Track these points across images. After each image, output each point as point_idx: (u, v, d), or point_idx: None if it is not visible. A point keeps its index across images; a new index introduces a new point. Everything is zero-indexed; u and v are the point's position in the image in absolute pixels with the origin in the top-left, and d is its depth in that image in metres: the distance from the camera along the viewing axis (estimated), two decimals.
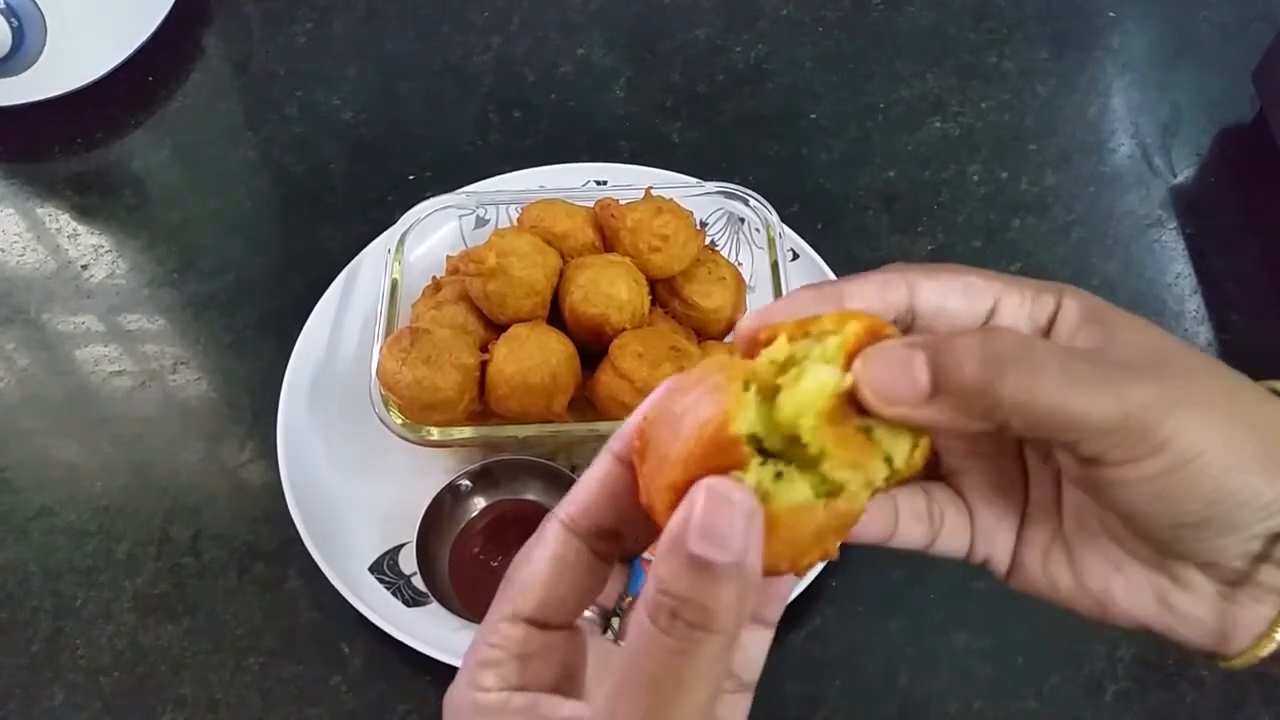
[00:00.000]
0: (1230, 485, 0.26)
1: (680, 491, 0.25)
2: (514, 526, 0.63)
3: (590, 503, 0.29)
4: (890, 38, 0.88)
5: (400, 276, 0.67)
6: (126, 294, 0.77)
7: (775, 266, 0.67)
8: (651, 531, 0.28)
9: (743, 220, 0.73)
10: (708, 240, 0.71)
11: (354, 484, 0.66)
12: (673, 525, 0.24)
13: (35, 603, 0.64)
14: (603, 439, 0.34)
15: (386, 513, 0.64)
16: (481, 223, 0.75)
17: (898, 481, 0.27)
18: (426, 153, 0.82)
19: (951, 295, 0.29)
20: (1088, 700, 0.60)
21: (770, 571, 0.25)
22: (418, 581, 0.61)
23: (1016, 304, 0.29)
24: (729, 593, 0.24)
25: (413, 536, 0.61)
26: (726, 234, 0.74)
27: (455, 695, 0.29)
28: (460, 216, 0.74)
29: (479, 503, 0.64)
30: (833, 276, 0.70)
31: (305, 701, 0.61)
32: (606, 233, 0.66)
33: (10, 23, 0.77)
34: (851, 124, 0.83)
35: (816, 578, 0.62)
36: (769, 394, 0.26)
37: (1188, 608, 0.29)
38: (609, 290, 0.62)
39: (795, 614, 0.62)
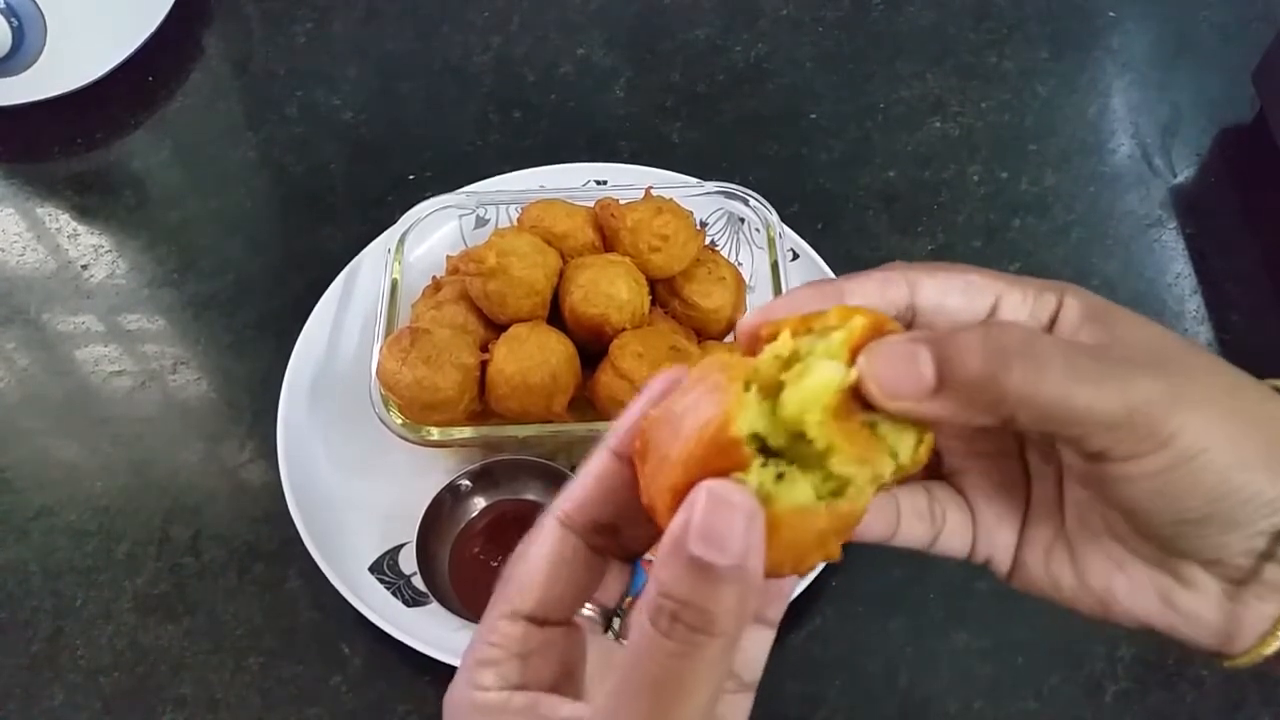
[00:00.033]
0: (1233, 482, 0.26)
1: (681, 493, 0.25)
2: (514, 526, 0.63)
3: (586, 498, 0.29)
4: (890, 38, 0.88)
5: (400, 276, 0.67)
6: (126, 294, 0.77)
7: (775, 266, 0.67)
8: (653, 532, 0.27)
9: (743, 220, 0.73)
10: (708, 240, 0.71)
11: (354, 484, 0.66)
12: (673, 528, 0.24)
13: (35, 603, 0.64)
14: None
15: (386, 513, 0.64)
16: (481, 223, 0.75)
17: (900, 479, 0.27)
18: (426, 153, 0.82)
19: (952, 293, 0.29)
20: (1088, 700, 0.60)
21: (772, 573, 0.25)
22: (418, 581, 0.61)
23: (1018, 302, 0.29)
24: (730, 596, 0.24)
25: (413, 536, 0.61)
26: (726, 234, 0.74)
27: (455, 695, 0.29)
28: (460, 216, 0.74)
29: (479, 503, 0.64)
30: (833, 276, 0.70)
31: (305, 701, 0.61)
32: (606, 233, 0.66)
33: (10, 23, 0.77)
34: (851, 124, 0.83)
35: (816, 577, 0.62)
36: (771, 392, 0.25)
37: (1192, 607, 0.29)
38: (609, 290, 0.62)
39: (795, 614, 0.62)
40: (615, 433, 0.29)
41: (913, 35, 0.88)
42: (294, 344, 0.70)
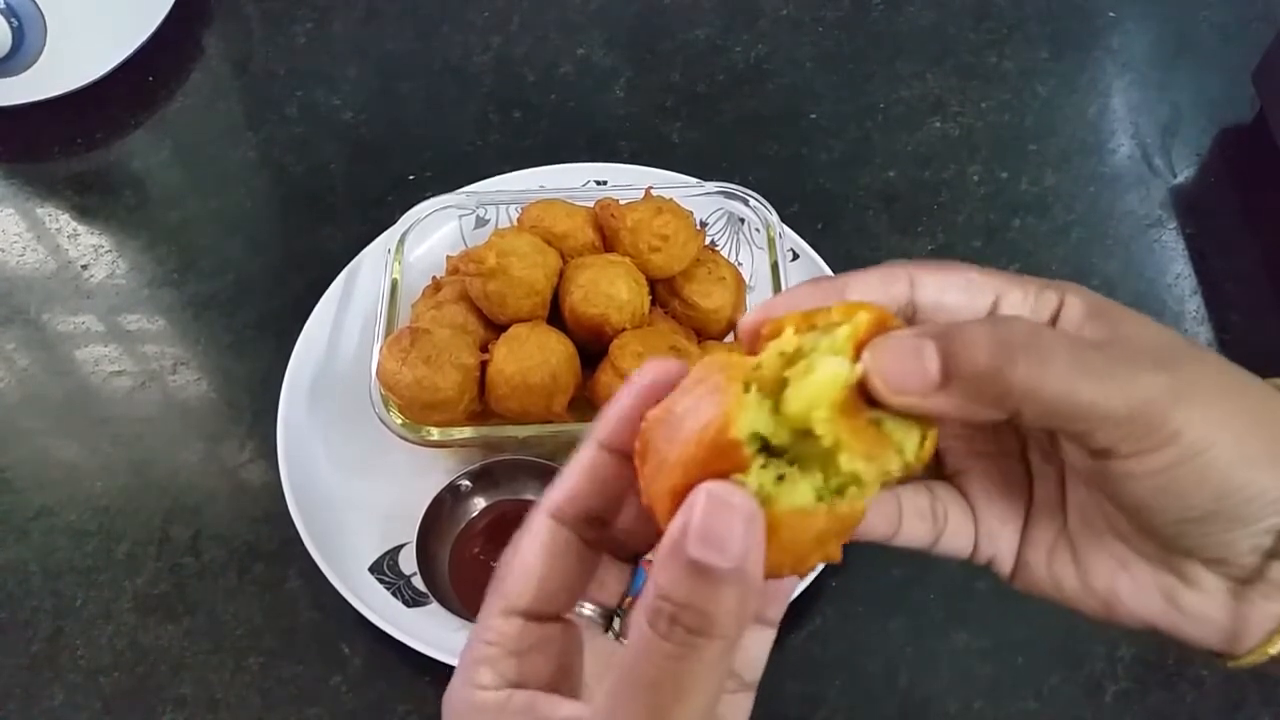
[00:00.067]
0: (1238, 479, 0.26)
1: (681, 495, 0.24)
2: (514, 527, 0.62)
3: (576, 491, 0.29)
4: (890, 38, 0.88)
5: (400, 276, 0.67)
6: (126, 294, 0.77)
7: (775, 267, 0.67)
8: (651, 531, 0.27)
9: (743, 220, 0.73)
10: (708, 240, 0.71)
11: (354, 484, 0.66)
12: (672, 530, 0.24)
13: (35, 603, 0.64)
14: None
15: (386, 513, 0.64)
16: (481, 223, 0.75)
17: (902, 478, 0.27)
18: (426, 153, 0.82)
19: (952, 289, 0.29)
20: (1088, 700, 0.60)
21: (771, 575, 0.25)
22: (418, 582, 0.61)
23: (1019, 300, 0.29)
24: (729, 598, 0.24)
25: (413, 536, 0.61)
26: (726, 234, 0.74)
27: (454, 696, 0.29)
28: (460, 216, 0.74)
29: (479, 503, 0.64)
30: (832, 275, 0.70)
31: (305, 701, 0.61)
32: (606, 233, 0.66)
33: (10, 23, 0.77)
34: (851, 124, 0.83)
35: (817, 578, 0.62)
36: (774, 390, 0.25)
37: (1197, 607, 0.29)
38: (609, 290, 0.62)
39: (795, 614, 0.62)
40: (602, 425, 0.29)
41: (913, 35, 0.88)
42: (294, 344, 0.70)
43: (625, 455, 0.29)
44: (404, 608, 0.61)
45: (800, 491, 0.25)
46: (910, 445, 0.26)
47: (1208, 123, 0.82)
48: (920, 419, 0.26)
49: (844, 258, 0.73)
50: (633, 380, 0.28)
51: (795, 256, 0.71)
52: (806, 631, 0.62)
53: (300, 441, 0.66)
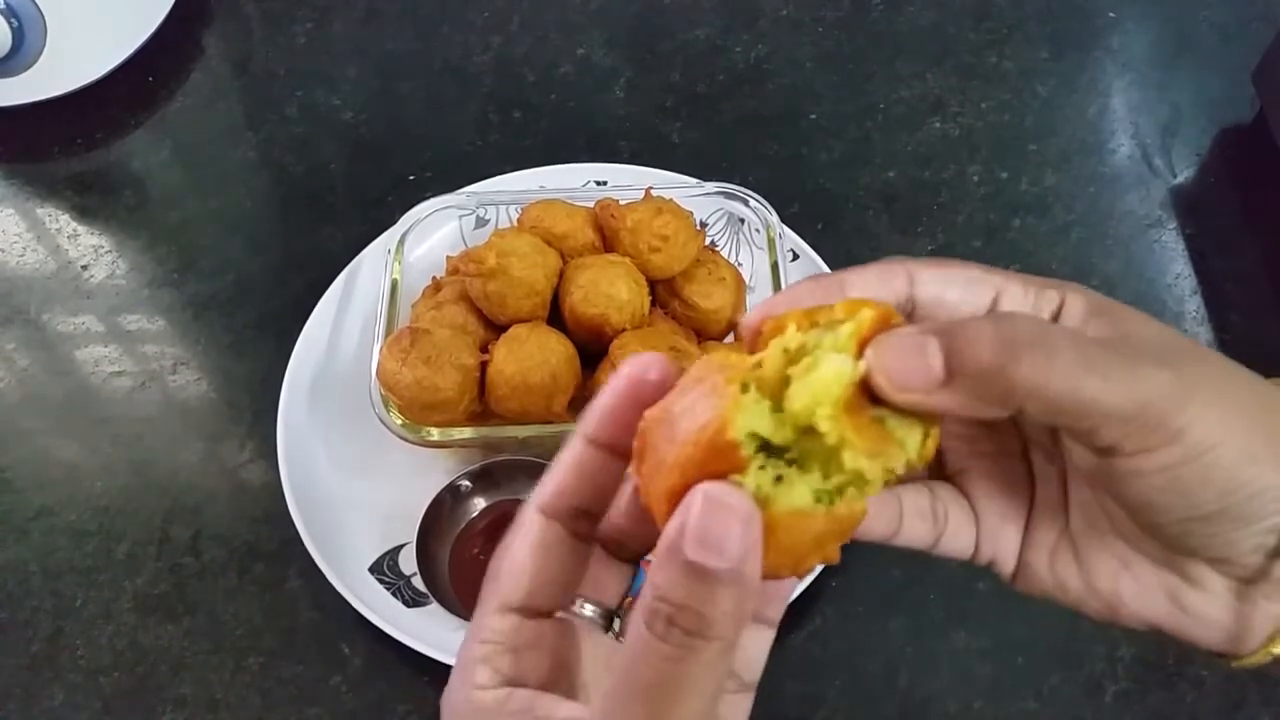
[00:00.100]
0: (1242, 477, 0.26)
1: (678, 496, 0.24)
2: None
3: (564, 486, 0.29)
4: (890, 38, 0.88)
5: (400, 277, 0.67)
6: (126, 294, 0.77)
7: (775, 267, 0.67)
8: (652, 533, 0.27)
9: (743, 221, 0.73)
10: (708, 241, 0.71)
11: (354, 484, 0.66)
12: (669, 531, 0.24)
13: (35, 603, 0.64)
14: None
15: (386, 513, 0.64)
16: (481, 223, 0.75)
17: (903, 478, 0.27)
18: (426, 153, 0.82)
19: (952, 285, 0.29)
20: (1088, 700, 0.60)
21: (769, 576, 0.25)
22: (418, 582, 0.61)
23: (1019, 297, 0.29)
24: (726, 599, 0.24)
25: (413, 537, 0.61)
26: (726, 234, 0.74)
27: (453, 697, 0.29)
28: (460, 217, 0.74)
29: (479, 503, 0.64)
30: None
31: (305, 701, 0.61)
32: (606, 233, 0.66)
33: (10, 23, 0.77)
34: (851, 124, 0.83)
35: (816, 578, 0.62)
36: (776, 388, 0.25)
37: (1200, 607, 0.29)
38: (609, 290, 0.62)
39: (795, 614, 0.62)
40: (587, 420, 0.29)
41: (913, 35, 0.88)
42: (294, 344, 0.70)
43: (611, 450, 0.29)
44: (404, 608, 0.61)
45: (798, 493, 0.25)
46: (913, 443, 0.26)
47: (1208, 123, 0.82)
48: (923, 416, 0.26)
49: (844, 258, 0.73)
50: (616, 376, 0.29)
51: (795, 257, 0.71)
52: (806, 631, 0.62)
53: (300, 441, 0.66)
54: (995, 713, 0.60)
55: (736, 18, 0.90)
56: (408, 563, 0.62)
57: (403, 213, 0.70)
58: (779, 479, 0.25)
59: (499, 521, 0.63)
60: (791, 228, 0.72)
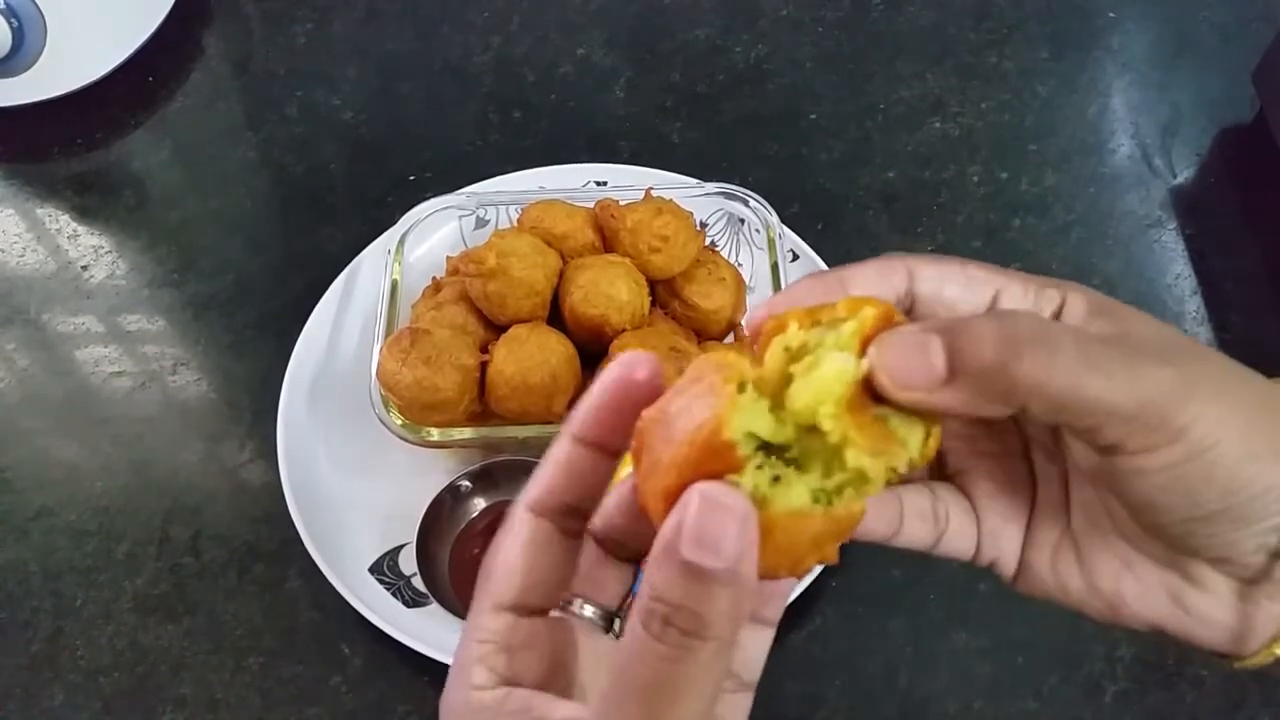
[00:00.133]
0: (1245, 476, 0.26)
1: (675, 496, 0.24)
2: None
3: (552, 484, 0.30)
4: (890, 38, 0.88)
5: (400, 277, 0.67)
6: (126, 294, 0.77)
7: (775, 267, 0.67)
8: (650, 533, 0.27)
9: (743, 221, 0.73)
10: (708, 241, 0.71)
11: (354, 484, 0.66)
12: (665, 531, 0.24)
13: (35, 603, 0.64)
14: None
15: (386, 513, 0.64)
16: (481, 223, 0.75)
17: (903, 477, 0.27)
18: (426, 153, 0.82)
19: (951, 282, 0.29)
20: (1087, 700, 0.60)
21: (767, 576, 0.25)
22: (418, 582, 0.61)
23: (1019, 295, 0.29)
24: (723, 600, 0.24)
25: (413, 537, 0.61)
26: (726, 234, 0.74)
27: (450, 699, 0.29)
28: (460, 217, 0.74)
29: (479, 503, 0.64)
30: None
31: (305, 701, 0.61)
32: (606, 233, 0.66)
33: (10, 23, 0.77)
34: (851, 124, 0.83)
35: (816, 578, 0.62)
36: (777, 386, 0.25)
37: (1203, 608, 0.29)
38: (609, 291, 0.62)
39: (795, 614, 0.62)
40: (574, 419, 0.29)
41: (913, 35, 0.88)
42: (294, 344, 0.70)
43: (599, 448, 0.29)
44: (404, 608, 0.61)
45: (796, 493, 0.25)
46: (915, 442, 0.26)
47: (1208, 123, 0.82)
48: (925, 415, 0.26)
49: (844, 258, 0.72)
50: (604, 375, 0.29)
51: (795, 257, 0.71)
52: (806, 631, 0.62)
53: (300, 441, 0.66)
54: (995, 713, 0.60)
55: (736, 18, 0.90)
56: (408, 563, 0.62)
57: (403, 213, 0.70)
58: (776, 479, 0.25)
59: (499, 522, 0.63)
60: (791, 228, 0.72)
